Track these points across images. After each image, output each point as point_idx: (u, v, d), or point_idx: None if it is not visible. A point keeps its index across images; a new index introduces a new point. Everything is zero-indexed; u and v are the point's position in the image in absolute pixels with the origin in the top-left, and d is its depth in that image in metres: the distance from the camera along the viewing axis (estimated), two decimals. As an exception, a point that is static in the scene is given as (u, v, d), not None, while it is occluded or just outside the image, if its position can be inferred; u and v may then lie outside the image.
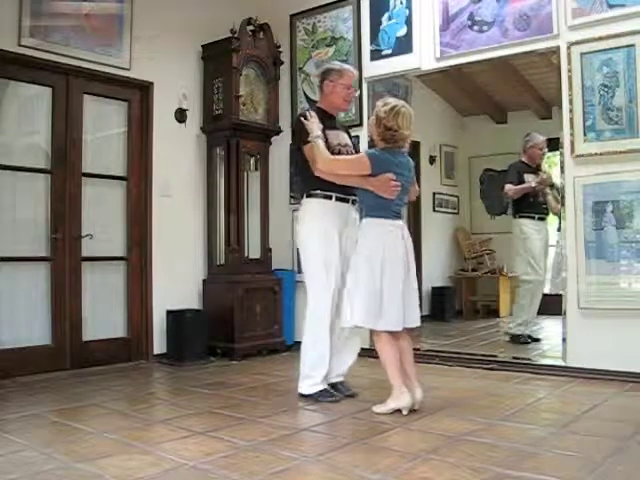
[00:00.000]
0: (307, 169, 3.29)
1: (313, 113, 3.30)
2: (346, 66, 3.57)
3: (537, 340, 5.03)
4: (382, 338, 3.05)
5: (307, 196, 3.38)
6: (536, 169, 5.10)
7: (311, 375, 3.35)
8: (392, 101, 3.08)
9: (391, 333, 3.04)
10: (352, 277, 3.10)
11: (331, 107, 3.48)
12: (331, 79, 3.43)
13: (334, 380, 3.45)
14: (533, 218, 5.03)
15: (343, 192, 3.31)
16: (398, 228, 3.10)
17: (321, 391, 3.33)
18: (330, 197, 3.31)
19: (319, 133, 3.19)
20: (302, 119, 3.29)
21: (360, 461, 2.39)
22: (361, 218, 3.22)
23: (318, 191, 3.31)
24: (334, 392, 3.36)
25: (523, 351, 4.70)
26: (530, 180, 5.01)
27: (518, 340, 4.93)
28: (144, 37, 4.70)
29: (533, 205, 5.04)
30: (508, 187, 5.05)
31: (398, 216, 3.15)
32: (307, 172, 3.30)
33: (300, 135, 3.31)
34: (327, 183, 3.23)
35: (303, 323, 3.39)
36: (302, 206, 3.42)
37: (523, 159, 5.15)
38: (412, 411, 3.02)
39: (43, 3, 4.16)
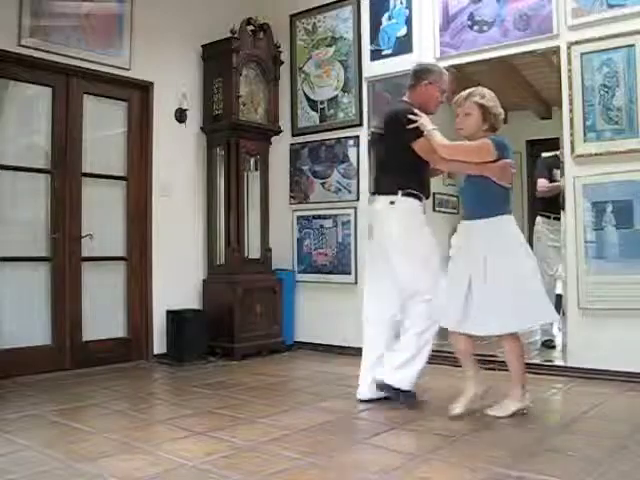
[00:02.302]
0: (409, 166, 3.19)
1: (417, 111, 3.16)
2: (444, 69, 3.48)
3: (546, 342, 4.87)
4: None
5: (404, 195, 3.22)
6: None
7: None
8: (480, 89, 3.00)
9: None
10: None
11: (422, 107, 3.31)
12: (431, 80, 3.32)
13: None
14: (549, 217, 4.84)
15: (427, 195, 3.32)
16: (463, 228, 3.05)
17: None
18: (421, 198, 3.26)
19: (433, 125, 3.08)
20: (411, 116, 3.12)
21: (360, 461, 2.40)
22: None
23: (416, 191, 3.22)
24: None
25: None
26: (557, 175, 4.74)
27: (544, 344, 4.80)
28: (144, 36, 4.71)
29: (550, 204, 4.79)
30: (541, 183, 4.83)
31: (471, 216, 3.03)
32: (409, 170, 3.21)
33: (413, 130, 3.13)
34: (420, 184, 3.19)
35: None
36: (397, 203, 3.23)
37: (557, 153, 5.03)
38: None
39: (43, 3, 4.16)
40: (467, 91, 3.02)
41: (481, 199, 2.98)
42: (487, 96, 2.97)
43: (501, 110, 2.99)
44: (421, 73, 3.39)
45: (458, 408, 2.95)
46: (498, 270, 2.86)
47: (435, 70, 3.41)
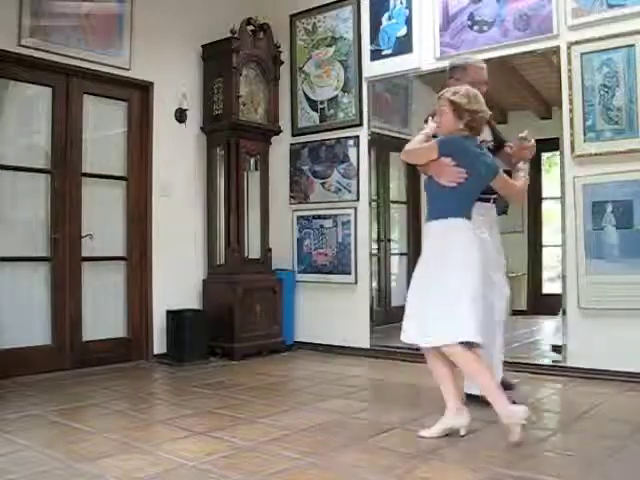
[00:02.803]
0: None
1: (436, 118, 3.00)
2: (472, 60, 3.37)
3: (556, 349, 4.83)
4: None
5: None
6: None
7: None
8: (461, 87, 2.84)
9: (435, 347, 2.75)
10: None
11: None
12: (457, 77, 3.26)
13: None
14: None
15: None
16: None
17: None
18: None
19: (427, 131, 2.91)
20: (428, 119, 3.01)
21: (360, 461, 2.39)
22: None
23: None
24: None
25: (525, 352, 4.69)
26: None
27: (554, 350, 4.77)
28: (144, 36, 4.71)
29: None
30: None
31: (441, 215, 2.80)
32: None
33: None
34: None
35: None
36: None
37: None
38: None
39: (43, 3, 4.16)
40: (447, 89, 2.90)
41: (432, 201, 2.89)
42: (461, 92, 2.78)
43: (479, 108, 2.78)
44: (450, 71, 3.36)
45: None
46: (435, 275, 2.73)
47: (461, 65, 3.34)
